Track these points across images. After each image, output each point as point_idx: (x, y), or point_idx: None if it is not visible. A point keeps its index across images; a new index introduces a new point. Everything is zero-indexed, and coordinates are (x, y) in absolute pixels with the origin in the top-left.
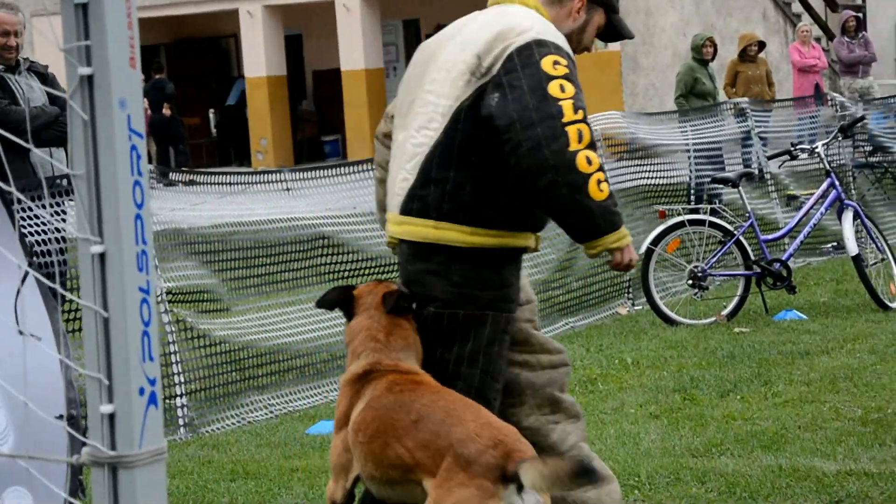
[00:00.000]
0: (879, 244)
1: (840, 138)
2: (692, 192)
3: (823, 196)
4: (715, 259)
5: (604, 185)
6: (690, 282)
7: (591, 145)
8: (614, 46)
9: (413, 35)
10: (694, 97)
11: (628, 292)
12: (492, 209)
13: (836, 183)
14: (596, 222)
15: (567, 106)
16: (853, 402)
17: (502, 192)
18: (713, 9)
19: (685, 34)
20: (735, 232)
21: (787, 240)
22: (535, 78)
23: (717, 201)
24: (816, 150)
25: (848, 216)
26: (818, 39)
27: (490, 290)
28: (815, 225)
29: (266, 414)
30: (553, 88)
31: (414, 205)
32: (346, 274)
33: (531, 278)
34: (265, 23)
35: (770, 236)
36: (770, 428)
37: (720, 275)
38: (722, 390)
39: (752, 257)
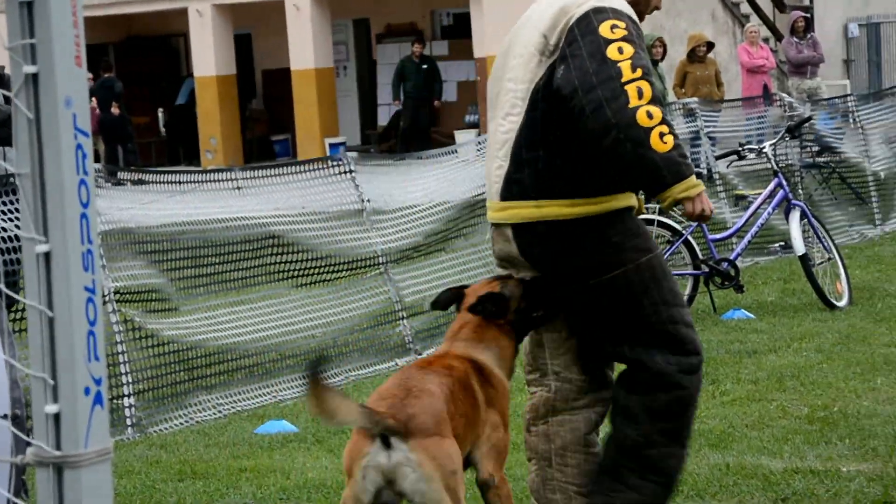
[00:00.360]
0: (826, 244)
1: (787, 138)
2: (641, 192)
3: (771, 196)
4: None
5: (667, 138)
6: None
7: (654, 100)
8: None
9: (363, 34)
10: None
11: None
12: (586, 178)
13: (784, 183)
14: (661, 174)
15: (625, 66)
16: (800, 400)
17: (591, 160)
18: (662, 10)
19: None
20: (683, 231)
21: (734, 239)
22: (594, 44)
23: None
24: (764, 150)
25: (795, 216)
26: (766, 40)
27: (619, 245)
28: (762, 224)
29: (214, 414)
30: (611, 51)
31: (513, 189)
32: (296, 273)
33: (480, 277)
34: (215, 22)
35: (718, 236)
36: (717, 426)
37: None
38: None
39: (701, 257)
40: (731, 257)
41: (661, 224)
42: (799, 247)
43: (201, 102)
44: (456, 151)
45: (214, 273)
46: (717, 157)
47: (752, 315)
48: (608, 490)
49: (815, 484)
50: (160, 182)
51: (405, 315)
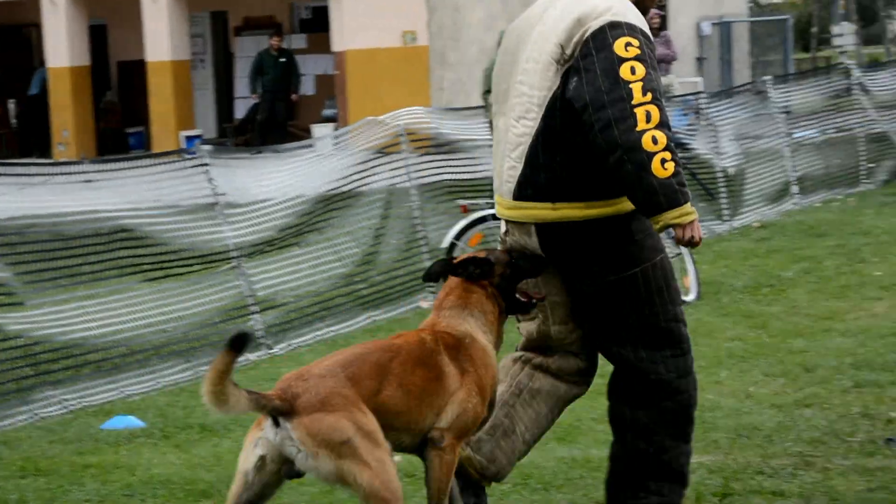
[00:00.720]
0: None
1: None
2: None
3: None
4: None
5: (668, 164)
6: None
7: (661, 125)
8: (423, 41)
9: (220, 27)
10: None
11: (431, 286)
12: (600, 181)
13: None
14: (658, 199)
15: (637, 88)
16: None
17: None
18: (520, 5)
19: (492, 29)
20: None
21: None
22: (607, 61)
23: None
24: None
25: None
26: None
27: (637, 245)
28: None
29: (60, 409)
30: (624, 71)
31: (528, 191)
32: (147, 267)
33: (333, 272)
34: (68, 12)
35: None
36: (565, 420)
37: None
38: None
39: None
40: None
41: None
42: None
43: (54, 94)
44: (312, 145)
45: (63, 267)
46: None
47: None
48: (631, 498)
49: None
50: (8, 175)
51: (257, 309)
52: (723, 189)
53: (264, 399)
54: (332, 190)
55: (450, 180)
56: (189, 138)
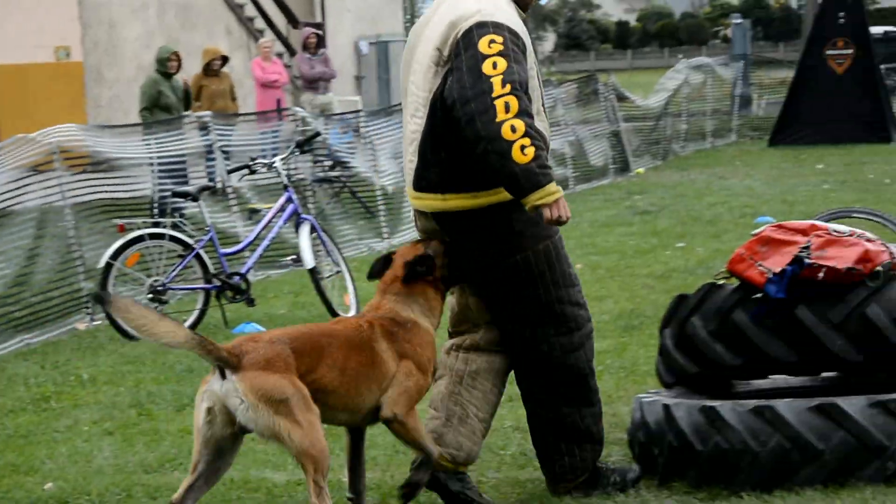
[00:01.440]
0: (335, 257)
1: (297, 153)
2: (156, 205)
3: (282, 209)
4: (175, 273)
5: (528, 150)
6: (150, 296)
7: (520, 114)
8: (77, 57)
9: None
10: (158, 110)
11: (87, 307)
12: (480, 174)
13: (294, 197)
14: (520, 184)
15: (497, 81)
16: None
17: None
18: (177, 22)
19: (149, 47)
20: (195, 246)
21: (247, 253)
22: (472, 59)
23: (178, 215)
24: (274, 165)
25: (305, 229)
26: (281, 55)
27: (519, 233)
28: (273, 238)
29: None
30: (486, 66)
31: (423, 183)
32: None
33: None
34: None
35: (230, 250)
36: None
37: (180, 289)
38: (178, 405)
39: (212, 271)
40: (243, 271)
41: (172, 238)
42: (308, 260)
43: None
44: None
45: None
46: (229, 171)
47: (263, 328)
48: (548, 459)
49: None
50: None
51: None
52: (382, 207)
53: (210, 346)
54: None
55: (106, 199)
56: None
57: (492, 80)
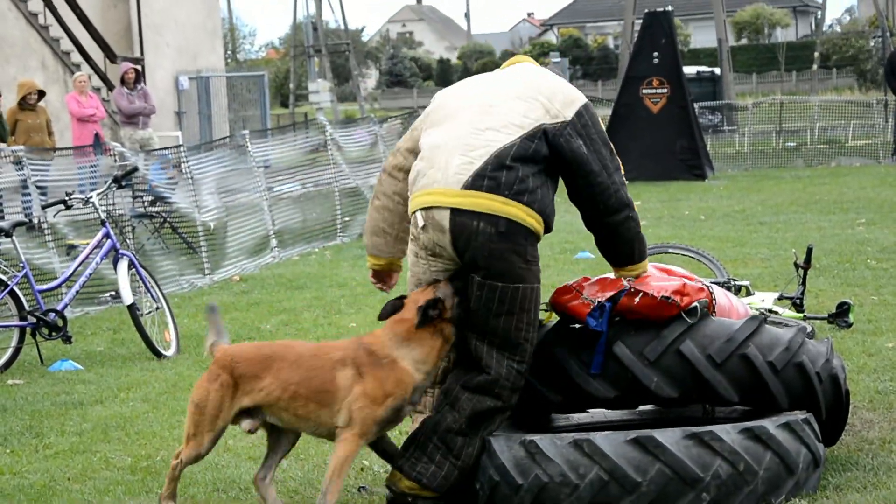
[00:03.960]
0: (154, 293)
1: (115, 188)
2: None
3: (99, 245)
4: None
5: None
6: None
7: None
8: None
9: None
10: None
11: None
12: (546, 202)
13: (111, 233)
14: (641, 251)
15: (620, 162)
16: (124, 450)
17: (553, 191)
18: None
19: None
20: (8, 282)
21: (63, 289)
22: (602, 135)
23: None
24: (91, 200)
25: (123, 265)
26: (98, 90)
27: (528, 265)
28: (91, 274)
29: None
30: (611, 146)
31: (483, 183)
32: None
33: None
34: None
35: (46, 286)
36: (39, 481)
37: None
38: None
39: (27, 308)
40: (59, 307)
41: None
42: (127, 296)
43: None
44: None
45: None
46: (44, 207)
47: (80, 366)
48: (412, 457)
49: None
50: None
51: None
52: (203, 243)
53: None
54: None
55: None
56: None
57: (617, 160)
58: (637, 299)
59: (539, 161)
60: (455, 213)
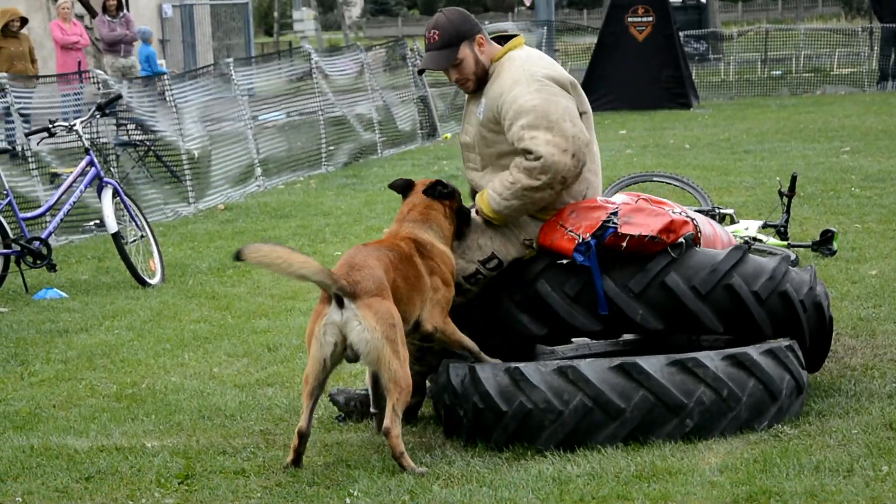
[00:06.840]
0: (139, 221)
1: (98, 116)
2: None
3: (83, 173)
4: None
5: None
6: None
7: None
8: None
9: None
10: None
11: None
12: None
13: (95, 161)
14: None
15: None
16: (109, 378)
17: None
18: None
19: None
20: None
21: (47, 217)
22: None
23: None
24: (75, 128)
25: (107, 194)
26: (81, 17)
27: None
28: (75, 202)
29: None
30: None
31: None
32: None
33: None
34: None
35: (30, 214)
36: (24, 408)
37: None
38: None
39: (11, 235)
40: (44, 235)
41: None
42: (111, 225)
43: None
44: None
45: None
46: (28, 135)
47: (65, 294)
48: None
49: (119, 461)
50: None
51: None
52: (188, 172)
53: (334, 277)
54: None
55: None
56: None
57: None
58: (624, 244)
59: None
60: None
